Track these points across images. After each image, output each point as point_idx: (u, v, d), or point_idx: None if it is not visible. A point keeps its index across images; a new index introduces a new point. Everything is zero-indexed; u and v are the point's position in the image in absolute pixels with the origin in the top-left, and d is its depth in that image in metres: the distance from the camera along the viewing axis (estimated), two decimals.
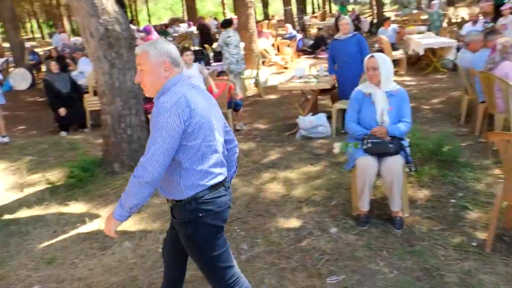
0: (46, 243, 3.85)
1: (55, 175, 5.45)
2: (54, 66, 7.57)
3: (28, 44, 15.31)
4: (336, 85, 6.67)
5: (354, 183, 3.75)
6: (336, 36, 6.61)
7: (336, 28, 7.52)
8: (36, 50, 17.81)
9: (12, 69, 12.76)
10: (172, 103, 2.02)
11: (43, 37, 35.21)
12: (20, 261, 3.59)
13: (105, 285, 3.18)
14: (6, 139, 7.32)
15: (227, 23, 9.05)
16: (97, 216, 4.35)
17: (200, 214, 2.13)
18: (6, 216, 4.43)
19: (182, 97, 2.06)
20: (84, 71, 8.86)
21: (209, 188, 2.14)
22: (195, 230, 2.15)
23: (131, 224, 4.11)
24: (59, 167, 5.75)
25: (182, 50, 6.67)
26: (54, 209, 4.55)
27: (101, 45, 4.72)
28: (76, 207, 4.56)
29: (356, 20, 17.30)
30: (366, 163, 3.53)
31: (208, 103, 2.19)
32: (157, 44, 2.15)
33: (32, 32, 44.62)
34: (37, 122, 9.14)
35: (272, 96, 9.36)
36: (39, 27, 41.49)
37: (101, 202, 4.63)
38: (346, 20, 6.44)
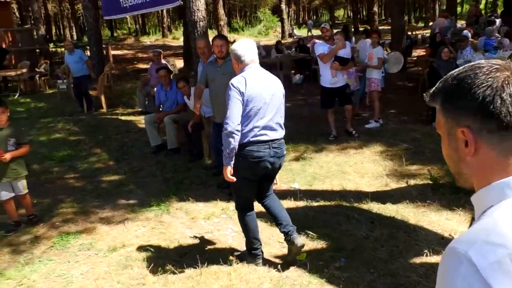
0: (433, 249, 3.53)
1: (435, 171, 5.13)
2: (446, 53, 7.21)
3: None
4: None
5: None
6: None
7: None
8: (409, 33, 18.18)
9: (387, 52, 13.34)
10: (235, 82, 3.11)
11: (415, 21, 35.98)
12: (410, 261, 3.41)
13: None
14: (380, 122, 7.57)
15: None
16: None
17: (240, 158, 3.14)
18: (389, 205, 4.39)
19: (242, 78, 3.11)
20: (471, 60, 8.13)
21: (249, 142, 3.11)
22: (235, 165, 3.16)
23: None
24: (439, 162, 5.40)
25: None
26: (438, 210, 4.23)
27: None
28: (461, 215, 4.09)
29: None
30: None
31: (266, 84, 3.18)
32: (233, 45, 3.28)
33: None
34: (407, 107, 9.14)
35: None
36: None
37: None
38: None
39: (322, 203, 4.61)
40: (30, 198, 4.58)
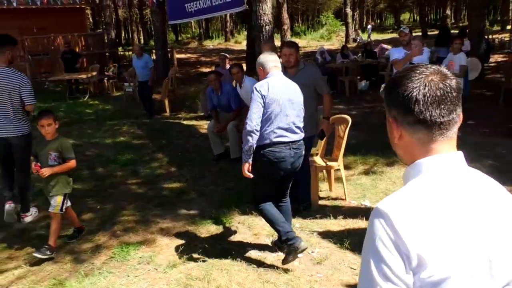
0: None
1: None
2: None
3: None
4: None
5: None
6: None
7: None
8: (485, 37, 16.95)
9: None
10: (258, 86, 3.43)
11: (489, 24, 33.78)
12: None
13: None
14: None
15: None
16: None
17: (263, 158, 3.42)
18: None
19: (266, 83, 3.42)
20: None
21: (272, 143, 3.39)
22: (257, 165, 3.47)
23: None
24: None
25: None
26: None
27: None
28: None
29: None
30: None
31: (287, 90, 3.48)
32: (258, 57, 3.70)
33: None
34: (487, 119, 8.36)
35: None
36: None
37: None
38: None
39: None
40: (58, 223, 3.92)
